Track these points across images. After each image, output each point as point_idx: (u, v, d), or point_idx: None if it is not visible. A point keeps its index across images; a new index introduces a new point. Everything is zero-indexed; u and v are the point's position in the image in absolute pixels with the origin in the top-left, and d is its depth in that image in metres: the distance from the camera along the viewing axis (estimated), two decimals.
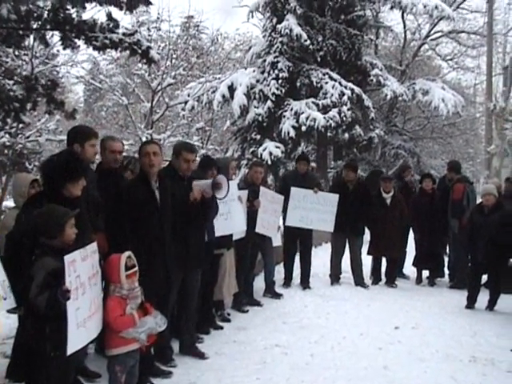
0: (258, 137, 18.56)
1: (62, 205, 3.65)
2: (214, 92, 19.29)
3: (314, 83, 18.25)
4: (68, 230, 3.52)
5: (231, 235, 6.59)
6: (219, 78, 19.55)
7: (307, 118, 17.40)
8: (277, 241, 8.34)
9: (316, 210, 8.56)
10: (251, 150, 18.60)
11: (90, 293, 3.54)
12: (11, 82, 7.59)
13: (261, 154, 17.58)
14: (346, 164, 10.06)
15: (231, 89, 18.85)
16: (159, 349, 4.90)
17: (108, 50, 7.45)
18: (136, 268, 4.01)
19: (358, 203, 8.84)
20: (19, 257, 3.46)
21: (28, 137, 14.38)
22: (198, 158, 6.28)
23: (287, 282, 8.89)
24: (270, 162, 17.11)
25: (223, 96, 18.93)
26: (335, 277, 9.14)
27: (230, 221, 6.44)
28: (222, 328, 6.55)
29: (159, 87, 17.46)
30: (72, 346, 3.26)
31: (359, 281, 9.08)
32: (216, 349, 5.81)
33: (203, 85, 18.47)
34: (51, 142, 17.59)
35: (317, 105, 17.92)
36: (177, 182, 5.07)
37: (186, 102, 19.55)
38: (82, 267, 3.42)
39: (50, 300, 3.23)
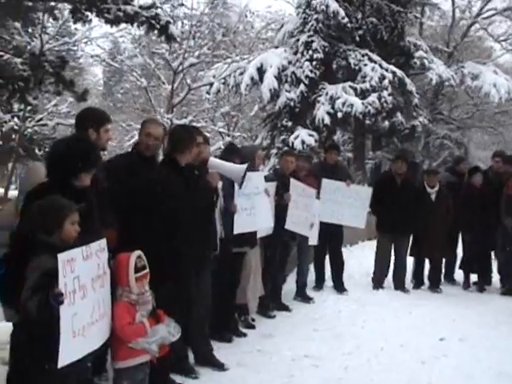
0: (290, 124, 18.53)
1: (71, 197, 3.51)
2: (241, 74, 19.26)
3: (352, 65, 18.19)
4: (67, 226, 3.35)
5: (255, 232, 6.40)
6: (247, 59, 19.33)
7: (344, 104, 17.33)
8: (313, 239, 8.13)
9: (348, 204, 8.47)
10: (282, 137, 18.60)
11: (93, 297, 3.37)
12: (19, 61, 7.47)
13: (292, 143, 17.51)
14: (396, 155, 9.83)
15: (260, 71, 18.79)
16: (176, 359, 4.72)
17: (122, 23, 7.27)
18: (147, 270, 3.84)
19: (407, 199, 8.61)
20: (24, 256, 3.30)
21: (39, 120, 14.38)
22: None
23: (319, 284, 8.77)
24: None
25: (252, 78, 18.89)
26: (378, 282, 8.97)
27: (253, 216, 6.23)
28: (245, 335, 6.40)
29: (180, 67, 17.31)
30: (65, 358, 3.08)
31: (399, 285, 8.89)
32: (238, 359, 5.64)
33: (229, 65, 18.28)
34: (64, 126, 17.63)
35: (354, 89, 17.86)
36: (190, 172, 4.89)
37: (210, 85, 19.45)
38: (82, 267, 3.25)
39: (41, 304, 3.07)
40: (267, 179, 7.09)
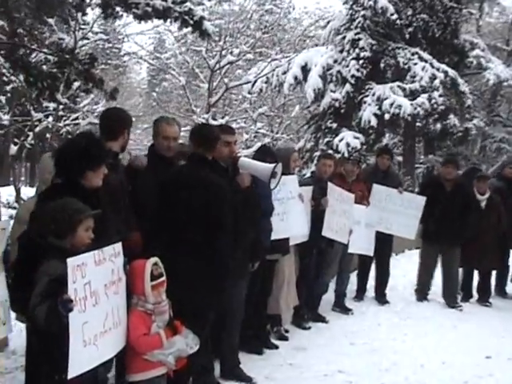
0: (334, 125, 18.40)
1: (82, 198, 3.48)
2: (284, 73, 19.18)
3: (401, 64, 17.98)
4: (81, 232, 3.34)
5: (287, 239, 6.34)
6: (291, 58, 19.26)
7: (391, 105, 17.14)
8: (356, 247, 8.03)
9: (398, 212, 8.31)
10: (326, 140, 18.44)
11: (107, 304, 3.34)
12: (50, 58, 7.57)
13: (337, 145, 17.40)
14: (446, 159, 9.57)
15: (305, 70, 18.74)
16: (200, 371, 4.68)
17: (153, 19, 7.26)
18: (163, 278, 3.80)
19: (457, 207, 8.39)
20: (33, 260, 3.29)
21: (74, 119, 14.61)
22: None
23: (360, 294, 8.67)
24: (346, 155, 16.73)
25: (295, 78, 18.84)
26: (422, 294, 8.78)
27: (286, 222, 6.19)
28: (276, 347, 6.31)
29: (217, 66, 17.32)
30: (75, 368, 3.05)
31: (452, 301, 8.60)
32: (267, 372, 5.58)
33: (268, 63, 18.21)
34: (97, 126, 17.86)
35: (403, 89, 17.67)
36: (220, 174, 4.81)
37: (252, 84, 19.40)
38: (94, 273, 3.23)
39: (50, 311, 3.04)
40: (303, 183, 7.07)
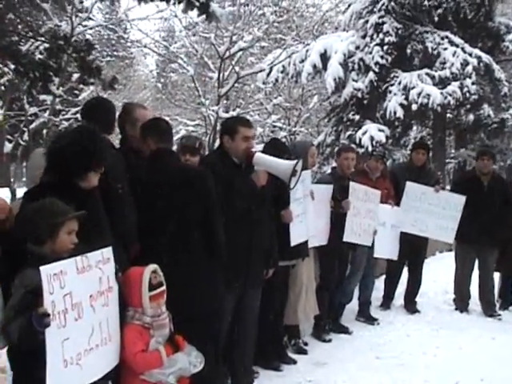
0: (357, 117, 18.48)
1: (75, 200, 3.36)
2: (302, 61, 19.22)
3: (430, 50, 17.96)
4: (62, 236, 3.21)
5: (306, 242, 6.25)
6: (307, 44, 19.17)
7: (419, 94, 17.13)
8: (382, 251, 7.93)
9: (435, 213, 8.20)
10: (348, 133, 18.53)
11: (93, 318, 3.20)
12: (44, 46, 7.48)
13: (359, 139, 17.40)
14: (481, 150, 9.36)
15: (324, 57, 18.75)
16: None
17: (155, 1, 7.14)
18: (164, 287, 3.67)
19: (495, 204, 8.25)
20: (14, 269, 3.17)
21: (75, 113, 14.54)
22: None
23: (386, 302, 8.60)
24: (370, 149, 16.66)
25: (314, 66, 18.88)
26: (462, 303, 8.63)
27: (305, 224, 6.11)
28: (295, 362, 6.22)
29: (227, 53, 17.21)
30: None
31: (490, 310, 8.48)
32: None
33: (284, 50, 18.07)
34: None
35: (432, 77, 17.62)
36: (233, 170, 4.81)
37: (268, 73, 19.35)
38: (77, 282, 3.09)
39: (24, 327, 2.91)
40: (323, 181, 7.07)
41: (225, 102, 20.23)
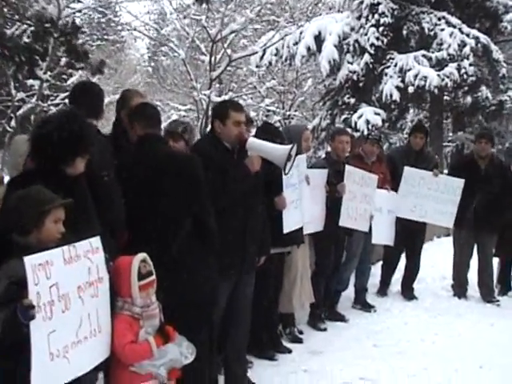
0: (352, 100, 18.47)
1: (62, 187, 3.31)
2: (296, 44, 19.20)
3: (426, 30, 17.96)
4: (48, 225, 3.15)
5: (301, 228, 6.21)
6: (302, 26, 19.13)
7: (416, 76, 17.15)
8: (379, 237, 7.90)
9: (434, 198, 8.19)
10: (343, 117, 18.53)
11: (81, 309, 3.15)
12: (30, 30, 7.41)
13: (355, 123, 17.42)
14: (479, 133, 9.36)
15: (318, 39, 18.75)
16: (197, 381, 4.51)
17: None
18: (153, 277, 3.62)
19: (494, 188, 8.26)
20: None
21: (64, 99, 14.41)
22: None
23: (383, 288, 8.62)
24: (366, 133, 16.64)
25: (308, 48, 18.88)
26: (460, 289, 8.64)
27: (299, 210, 6.06)
28: (289, 352, 6.23)
29: (219, 35, 17.11)
30: None
31: (489, 295, 8.50)
32: (279, 380, 5.51)
33: (277, 32, 18.02)
34: None
35: (429, 59, 17.65)
36: (225, 156, 4.76)
37: (261, 57, 19.32)
38: (64, 273, 3.04)
39: (8, 320, 2.85)
40: (317, 166, 7.03)
41: (217, 85, 20.12)
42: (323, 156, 8.59)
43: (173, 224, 4.18)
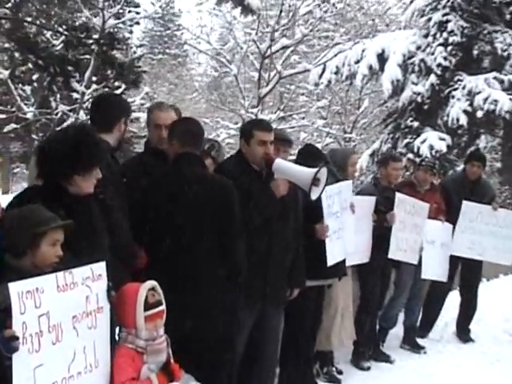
0: (416, 124, 18.28)
1: (66, 207, 3.25)
2: (357, 62, 19.11)
3: (499, 51, 17.71)
4: (44, 248, 3.07)
5: (344, 260, 6.11)
6: (356, 43, 19.09)
7: (485, 100, 16.89)
8: (431, 272, 7.69)
9: (492, 234, 7.99)
10: (405, 141, 18.31)
11: (75, 342, 3.04)
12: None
13: (418, 148, 17.30)
14: None
15: (381, 58, 18.69)
16: None
17: None
18: (163, 306, 3.52)
19: None
20: None
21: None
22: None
23: (424, 331, 8.29)
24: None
25: (370, 67, 18.86)
26: None
27: (342, 240, 5.97)
28: None
29: (269, 51, 17.09)
30: None
31: None
32: None
33: (330, 49, 17.83)
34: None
35: (501, 81, 17.40)
36: (251, 178, 4.70)
37: (320, 75, 19.21)
38: (56, 301, 2.94)
39: None
40: (364, 192, 7.00)
41: (271, 104, 20.15)
42: (370, 181, 8.44)
43: (198, 254, 4.14)
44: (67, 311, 3.02)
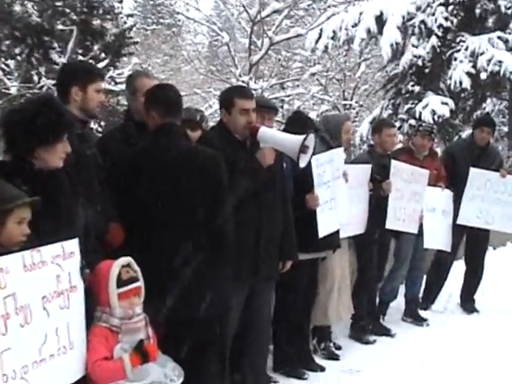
0: (417, 88, 18.31)
1: (31, 182, 3.21)
2: (355, 26, 19.06)
3: (503, 9, 17.67)
4: (11, 226, 3.03)
5: (338, 231, 6.08)
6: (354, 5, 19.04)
7: (489, 61, 16.88)
8: (433, 241, 7.71)
9: (501, 202, 8.03)
10: (406, 107, 18.34)
11: (46, 322, 3.01)
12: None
13: (420, 113, 17.24)
14: None
15: (380, 21, 18.53)
16: None
17: None
18: (139, 283, 3.46)
19: None
20: None
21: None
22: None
23: (427, 301, 8.35)
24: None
25: (368, 31, 18.69)
26: None
27: (335, 210, 5.94)
28: (322, 370, 6.08)
29: (259, 16, 16.99)
30: None
31: None
32: None
33: (322, 13, 17.77)
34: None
35: (505, 41, 17.41)
36: (234, 148, 4.64)
37: (317, 40, 19.07)
38: (23, 281, 2.89)
39: None
40: (359, 161, 7.00)
41: (266, 72, 20.04)
42: (366, 149, 8.42)
43: (185, 229, 4.07)
44: (36, 291, 2.98)
